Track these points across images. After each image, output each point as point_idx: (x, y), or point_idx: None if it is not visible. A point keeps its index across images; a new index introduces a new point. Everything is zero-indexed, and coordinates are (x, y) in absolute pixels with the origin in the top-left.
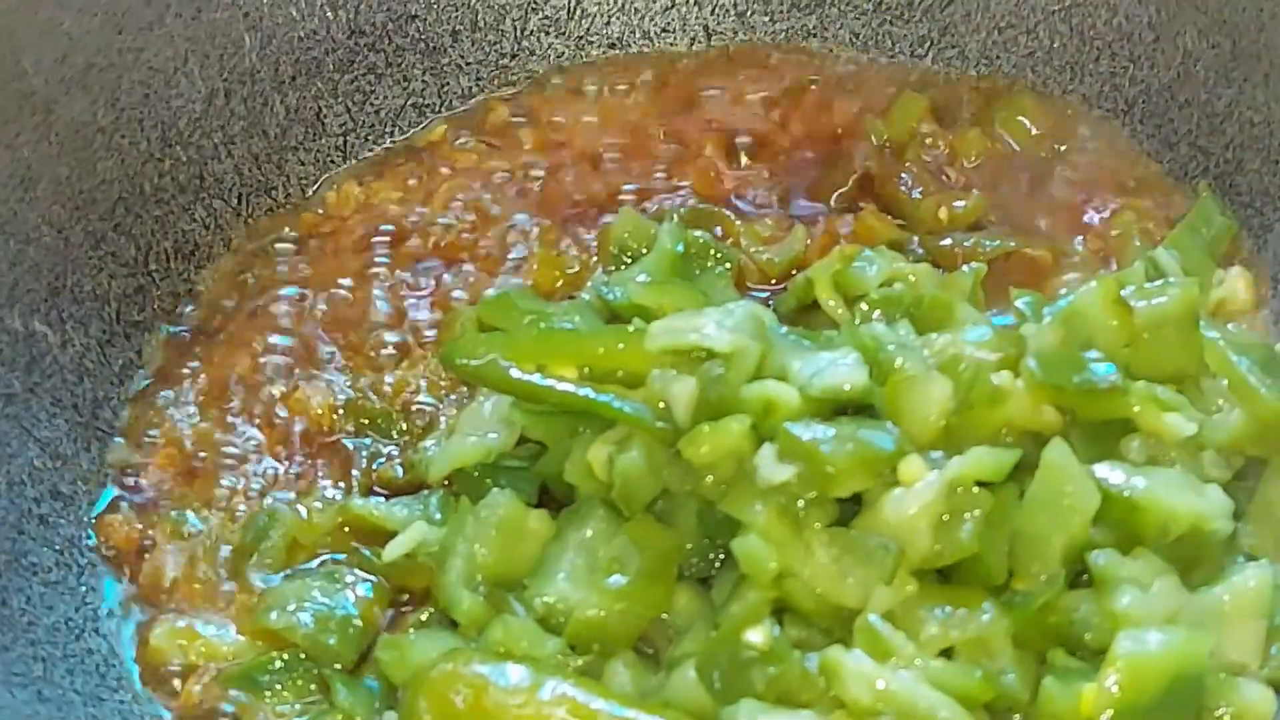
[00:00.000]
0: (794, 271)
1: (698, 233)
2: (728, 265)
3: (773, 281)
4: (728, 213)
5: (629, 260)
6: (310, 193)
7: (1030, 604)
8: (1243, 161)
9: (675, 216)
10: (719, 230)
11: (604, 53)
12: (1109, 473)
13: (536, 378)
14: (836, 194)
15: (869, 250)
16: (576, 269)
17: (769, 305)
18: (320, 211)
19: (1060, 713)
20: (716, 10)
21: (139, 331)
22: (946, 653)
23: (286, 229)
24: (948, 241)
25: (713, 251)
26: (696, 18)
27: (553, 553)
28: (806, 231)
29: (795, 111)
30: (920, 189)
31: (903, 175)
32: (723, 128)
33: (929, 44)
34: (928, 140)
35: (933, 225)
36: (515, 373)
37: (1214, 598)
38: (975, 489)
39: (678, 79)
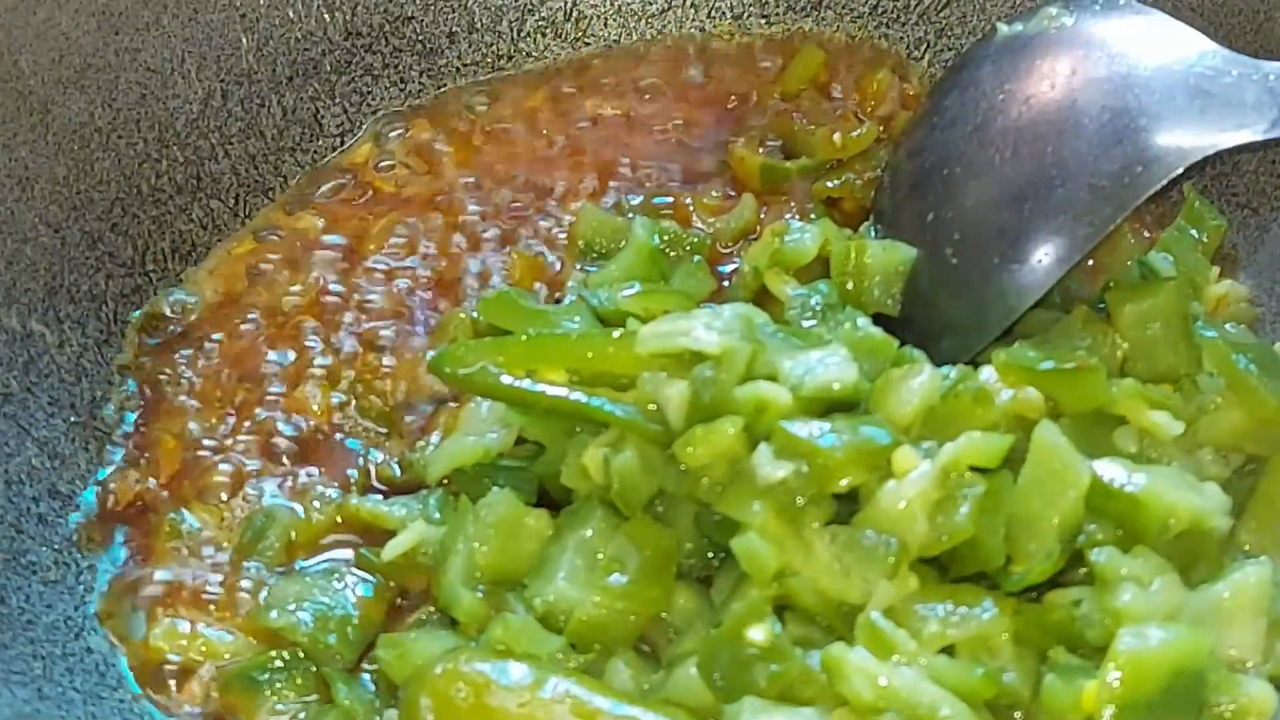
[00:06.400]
0: (747, 239)
1: (667, 224)
2: (700, 256)
3: (725, 247)
4: (673, 185)
5: (597, 254)
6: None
7: (1028, 580)
8: (1239, 162)
9: (629, 206)
10: (669, 199)
11: (599, 53)
12: (1109, 469)
13: (527, 383)
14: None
15: (795, 221)
16: (556, 269)
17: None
18: (310, 217)
19: (1062, 709)
20: (713, 13)
21: (136, 332)
22: (948, 651)
23: (283, 229)
24: None
25: (684, 243)
26: (693, 20)
27: (552, 552)
28: (756, 200)
29: (695, 90)
30: (813, 124)
31: (795, 114)
32: (625, 113)
33: (925, 46)
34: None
35: (830, 152)
36: (505, 379)
37: (1214, 595)
38: (969, 473)
39: (581, 81)
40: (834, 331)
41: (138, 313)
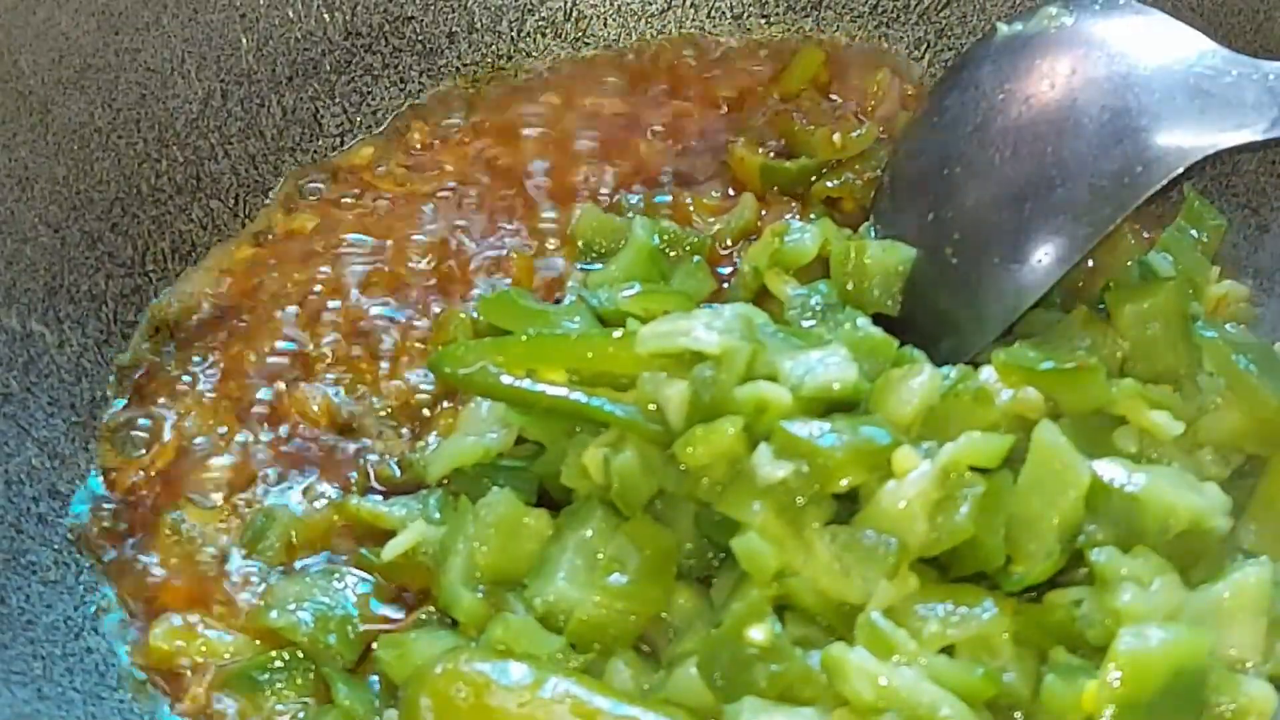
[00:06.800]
0: (746, 240)
1: (667, 224)
2: (700, 256)
3: (725, 247)
4: (673, 185)
5: (597, 254)
6: (304, 192)
7: (1028, 580)
8: (1239, 162)
9: (629, 206)
10: (669, 199)
11: (599, 54)
12: (1109, 469)
13: (527, 383)
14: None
15: (795, 221)
16: (556, 269)
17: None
18: (310, 218)
19: (1062, 709)
20: (713, 13)
21: (136, 332)
22: (948, 651)
23: (282, 230)
24: None
25: (684, 243)
26: (692, 20)
27: (552, 552)
28: (756, 200)
29: (695, 91)
30: (813, 125)
31: (795, 114)
32: (625, 113)
33: (925, 46)
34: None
35: (830, 152)
36: (505, 379)
37: (1214, 595)
38: (968, 473)
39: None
40: (834, 331)
41: (145, 319)
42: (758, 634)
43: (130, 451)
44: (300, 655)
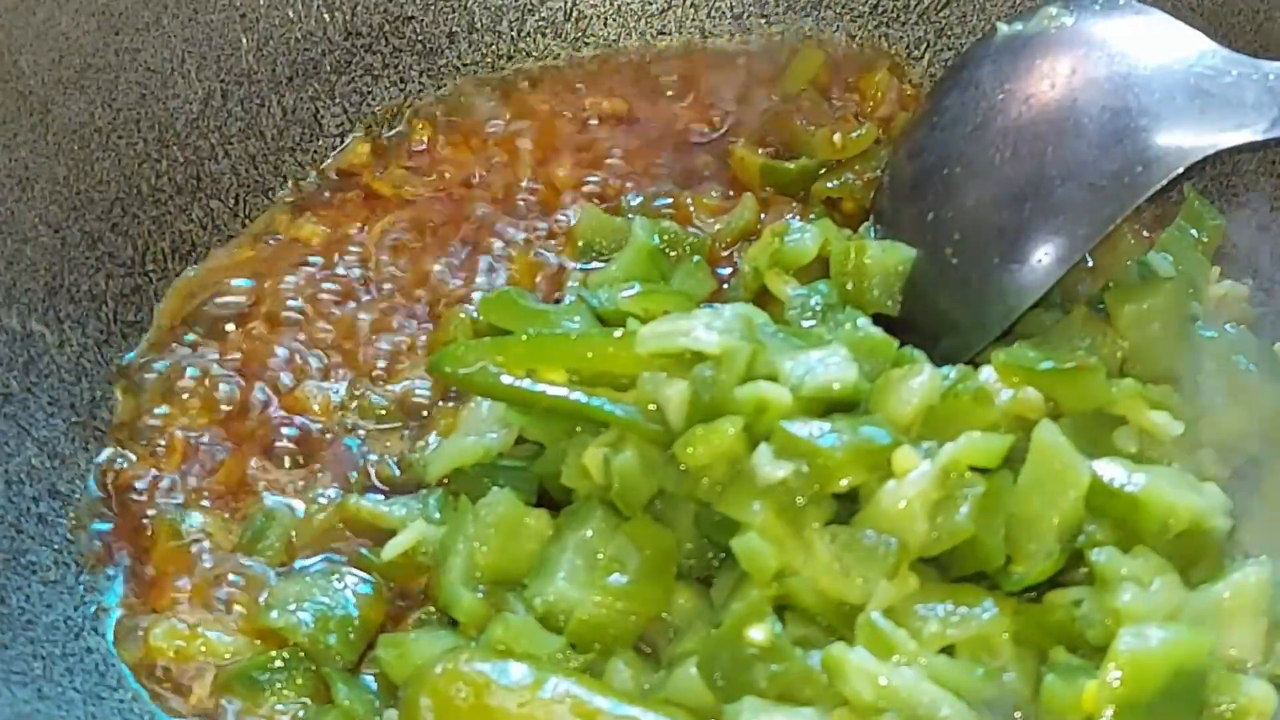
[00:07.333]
0: (747, 240)
1: (667, 224)
2: (700, 256)
3: (725, 247)
4: (673, 185)
5: (597, 254)
6: (302, 194)
7: (1028, 580)
8: (1239, 162)
9: (629, 206)
10: (669, 199)
11: (598, 53)
12: (1109, 469)
13: (527, 383)
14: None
15: (795, 221)
16: (556, 269)
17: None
18: (309, 218)
19: (1062, 709)
20: (713, 13)
21: (136, 332)
22: (949, 651)
23: (282, 230)
24: None
25: (684, 243)
26: (692, 20)
27: (552, 552)
28: (756, 200)
29: (695, 90)
30: (813, 125)
31: (795, 114)
32: (625, 113)
33: (925, 46)
34: (834, 95)
35: (830, 152)
36: (505, 379)
37: (1214, 595)
38: (969, 473)
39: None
40: (834, 331)
41: (146, 319)
42: (758, 634)
43: (130, 452)
44: (300, 655)
